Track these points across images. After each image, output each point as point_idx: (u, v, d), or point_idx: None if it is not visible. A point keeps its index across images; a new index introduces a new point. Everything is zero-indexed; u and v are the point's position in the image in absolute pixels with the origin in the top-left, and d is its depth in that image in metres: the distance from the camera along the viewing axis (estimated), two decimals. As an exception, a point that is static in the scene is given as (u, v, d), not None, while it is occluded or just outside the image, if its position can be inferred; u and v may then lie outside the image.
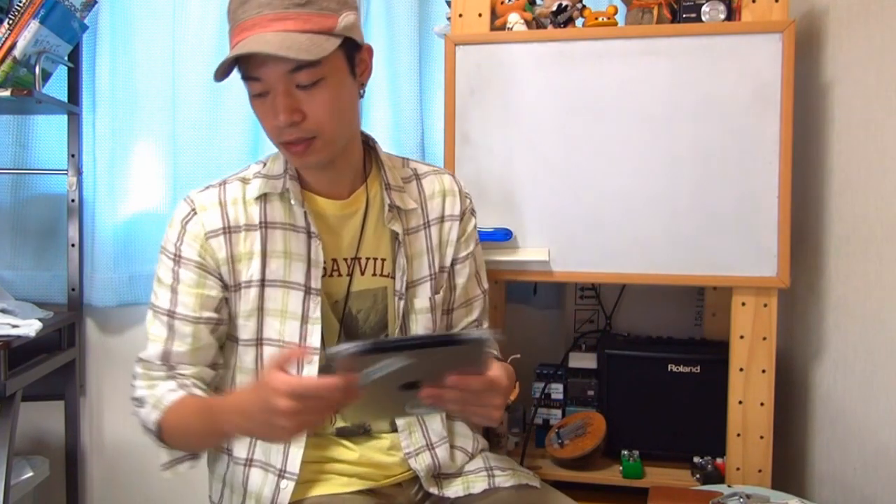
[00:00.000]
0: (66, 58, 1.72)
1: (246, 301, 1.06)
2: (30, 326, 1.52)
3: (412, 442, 1.13)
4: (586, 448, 1.46)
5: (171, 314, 1.05)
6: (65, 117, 1.81)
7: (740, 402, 1.37)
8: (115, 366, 1.92)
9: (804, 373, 1.48)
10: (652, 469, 1.48)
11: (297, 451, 1.07)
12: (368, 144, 1.15)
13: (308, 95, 0.97)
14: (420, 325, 1.13)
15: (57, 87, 1.77)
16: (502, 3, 1.46)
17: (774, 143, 1.33)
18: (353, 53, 1.01)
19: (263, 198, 1.07)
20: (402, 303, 1.11)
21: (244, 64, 0.97)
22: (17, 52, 1.53)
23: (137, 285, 1.86)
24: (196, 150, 1.78)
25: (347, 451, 1.12)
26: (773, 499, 1.18)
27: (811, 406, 1.44)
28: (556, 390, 1.58)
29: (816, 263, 1.42)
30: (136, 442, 1.92)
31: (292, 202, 1.06)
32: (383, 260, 1.11)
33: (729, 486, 1.32)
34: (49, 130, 1.85)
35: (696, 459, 1.46)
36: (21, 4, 1.53)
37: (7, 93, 1.51)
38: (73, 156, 1.81)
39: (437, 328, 1.16)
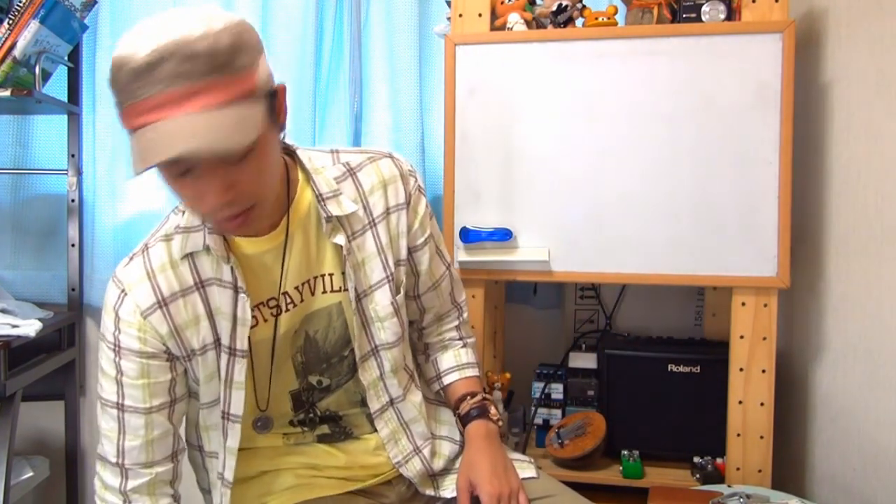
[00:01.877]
0: (66, 58, 1.72)
1: (205, 366, 0.99)
2: (30, 326, 1.52)
3: (399, 450, 1.10)
4: (586, 448, 1.46)
5: (119, 407, 0.98)
6: (65, 117, 1.81)
7: (740, 402, 1.37)
8: (115, 366, 1.92)
9: (804, 373, 1.48)
10: (652, 469, 1.48)
11: (230, 458, 1.04)
12: (288, 154, 1.03)
13: (238, 168, 0.83)
14: (388, 332, 1.07)
15: (57, 87, 1.78)
16: (502, 3, 1.46)
17: (774, 144, 1.33)
18: (273, 102, 0.90)
19: (189, 255, 0.98)
20: (357, 315, 1.05)
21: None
22: (17, 52, 1.53)
23: (137, 285, 1.86)
24: (196, 150, 1.78)
25: (333, 457, 1.10)
26: (773, 499, 1.18)
27: (811, 406, 1.44)
28: (556, 390, 1.58)
29: (816, 263, 1.42)
30: (136, 442, 1.92)
31: (215, 255, 0.97)
32: (331, 275, 1.04)
33: (729, 486, 1.32)
34: (49, 130, 1.85)
35: (696, 459, 1.46)
36: (21, 4, 1.53)
37: (7, 93, 1.51)
38: (73, 156, 1.81)
39: (404, 330, 1.11)
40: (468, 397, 1.14)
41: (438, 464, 1.13)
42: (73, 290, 1.84)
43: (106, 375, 0.99)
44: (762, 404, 1.36)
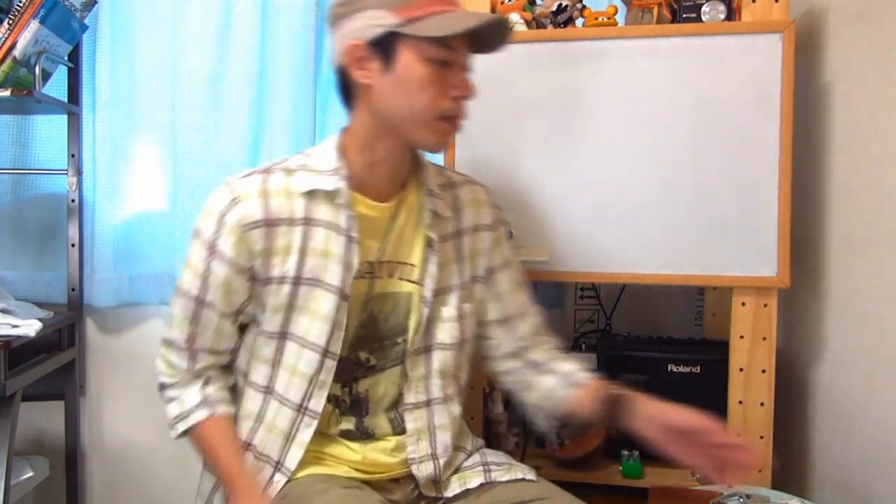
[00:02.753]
0: (66, 58, 1.72)
1: (276, 296, 1.05)
2: (30, 326, 1.52)
3: (418, 449, 1.12)
4: (586, 448, 1.45)
5: (198, 302, 1.06)
6: (65, 117, 1.80)
7: (740, 402, 1.37)
8: (115, 366, 1.92)
9: (804, 373, 1.48)
10: (652, 469, 1.48)
11: (297, 451, 1.07)
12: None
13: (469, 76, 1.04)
14: (446, 333, 1.12)
15: (57, 87, 1.77)
16: (502, 3, 1.46)
17: (774, 143, 1.33)
18: None
19: (308, 193, 1.05)
20: (427, 310, 1.10)
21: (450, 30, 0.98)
22: (17, 52, 1.53)
23: (137, 285, 1.86)
24: (196, 150, 1.78)
25: (350, 452, 1.12)
26: (773, 499, 1.18)
27: (811, 406, 1.44)
28: (556, 390, 1.58)
29: (816, 263, 1.42)
30: (136, 442, 1.92)
31: (340, 202, 1.05)
32: (412, 266, 1.11)
33: (729, 486, 1.32)
34: (49, 130, 1.84)
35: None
36: (21, 4, 1.53)
37: (7, 93, 1.51)
38: (73, 156, 1.81)
39: (465, 340, 1.16)
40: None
41: (446, 474, 1.14)
42: (73, 290, 1.84)
43: (193, 270, 1.06)
44: (762, 404, 1.36)
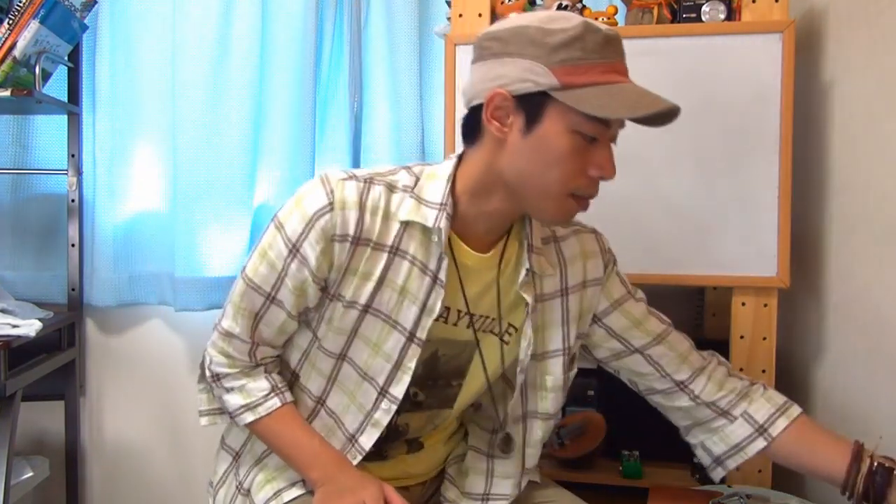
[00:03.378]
0: (66, 58, 1.72)
1: (342, 320, 0.98)
2: (30, 326, 1.52)
3: (458, 475, 1.12)
4: (586, 448, 1.46)
5: (269, 297, 0.98)
6: (65, 117, 1.81)
7: (740, 402, 1.37)
8: (115, 366, 1.92)
9: (804, 373, 1.48)
10: (652, 469, 1.48)
11: (374, 431, 1.02)
12: None
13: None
14: (549, 402, 1.06)
15: (57, 87, 1.78)
16: (502, 3, 1.46)
17: (774, 143, 1.33)
18: None
19: (406, 222, 0.96)
20: (522, 376, 1.04)
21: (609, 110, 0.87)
22: (17, 52, 1.53)
23: (137, 285, 1.86)
24: (196, 150, 1.78)
25: (381, 468, 1.08)
26: (773, 499, 1.18)
27: (811, 406, 1.44)
28: (556, 390, 1.58)
29: (816, 263, 1.42)
30: (136, 442, 1.92)
31: (434, 240, 0.96)
32: (511, 325, 1.04)
33: (729, 486, 1.32)
34: (49, 130, 1.85)
35: (697, 459, 1.45)
36: (21, 4, 1.53)
37: (7, 93, 1.51)
38: (73, 156, 1.81)
39: (561, 405, 1.10)
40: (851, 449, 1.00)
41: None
42: (73, 290, 1.84)
43: (269, 264, 0.97)
44: (762, 404, 1.36)
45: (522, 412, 1.07)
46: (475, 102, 0.94)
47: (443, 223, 0.94)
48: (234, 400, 1.02)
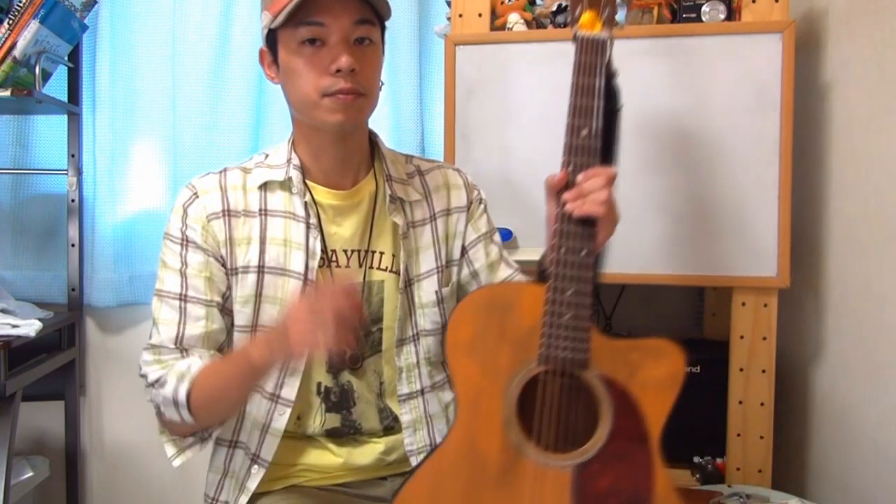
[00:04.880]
0: (66, 58, 1.72)
1: (243, 287, 1.05)
2: (30, 326, 1.52)
3: (416, 440, 1.11)
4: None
5: (182, 298, 1.04)
6: (65, 117, 1.81)
7: (740, 403, 1.37)
8: (115, 366, 1.92)
9: (804, 373, 1.48)
10: (652, 469, 1.48)
11: (272, 441, 1.06)
12: (371, 139, 1.14)
13: (361, 52, 0.99)
14: (427, 320, 1.11)
15: (57, 87, 1.77)
16: (502, 3, 1.46)
17: (774, 144, 1.33)
18: (383, 39, 1.06)
19: (264, 186, 1.06)
20: (402, 297, 1.09)
21: (305, 7, 0.96)
22: (17, 52, 1.53)
23: (137, 285, 1.86)
24: (196, 150, 1.78)
25: (330, 456, 1.10)
26: (773, 499, 1.18)
27: (811, 406, 1.44)
28: (556, 390, 1.58)
29: (816, 263, 1.42)
30: (136, 442, 1.92)
31: (293, 191, 1.05)
32: (382, 253, 1.10)
33: (729, 486, 1.32)
34: (49, 130, 1.84)
35: (696, 459, 1.45)
36: (21, 4, 1.53)
37: (7, 93, 1.51)
38: (73, 156, 1.81)
39: (445, 321, 1.13)
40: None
41: None
42: (73, 290, 1.84)
43: (169, 269, 1.06)
44: (762, 404, 1.36)
45: (413, 333, 1.11)
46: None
47: (293, 173, 1.05)
48: (169, 385, 1.00)
